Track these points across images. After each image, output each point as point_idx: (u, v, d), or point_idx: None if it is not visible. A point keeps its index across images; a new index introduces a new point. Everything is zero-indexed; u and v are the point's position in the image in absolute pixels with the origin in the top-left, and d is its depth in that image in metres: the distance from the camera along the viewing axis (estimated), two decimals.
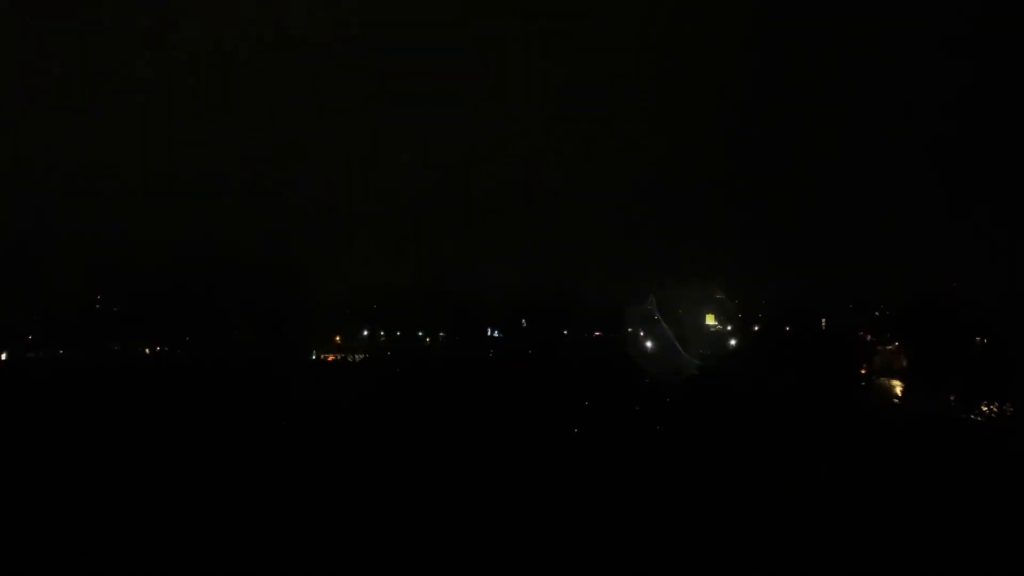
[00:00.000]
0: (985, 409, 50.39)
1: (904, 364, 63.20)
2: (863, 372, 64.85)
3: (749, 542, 27.12)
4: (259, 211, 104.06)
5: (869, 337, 72.16)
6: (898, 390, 59.88)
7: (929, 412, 50.59)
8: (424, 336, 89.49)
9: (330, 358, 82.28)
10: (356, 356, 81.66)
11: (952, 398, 52.04)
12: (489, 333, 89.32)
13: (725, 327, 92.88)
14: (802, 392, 52.97)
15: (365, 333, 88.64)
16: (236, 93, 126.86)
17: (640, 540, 27.37)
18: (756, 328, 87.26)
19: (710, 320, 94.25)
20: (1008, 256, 75.54)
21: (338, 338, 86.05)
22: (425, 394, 54.20)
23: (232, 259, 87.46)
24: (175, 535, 27.57)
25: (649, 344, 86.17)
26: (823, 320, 73.85)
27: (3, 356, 75.80)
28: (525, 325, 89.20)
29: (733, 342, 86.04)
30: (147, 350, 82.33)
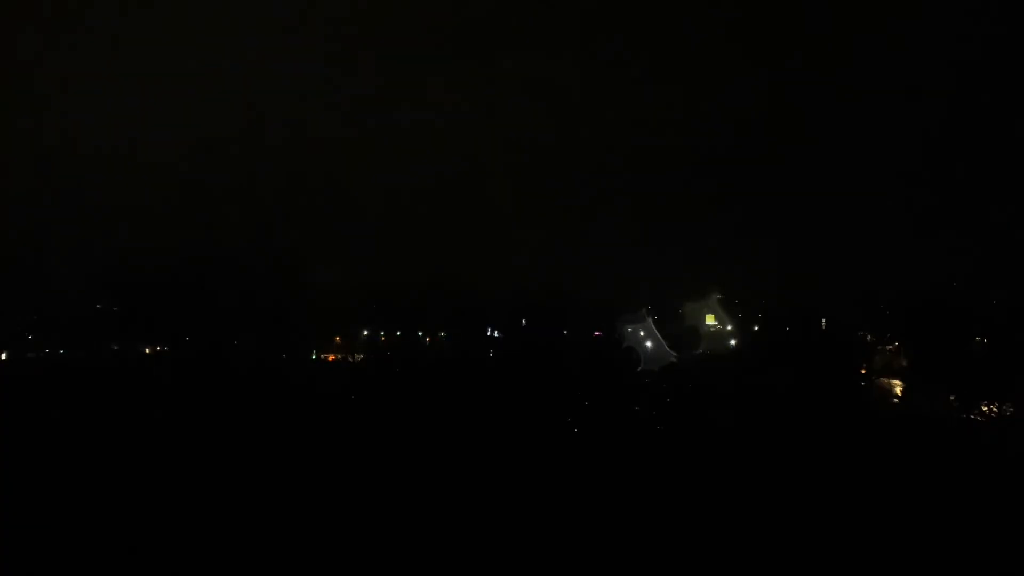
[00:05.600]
0: (985, 409, 50.36)
1: (904, 364, 63.08)
2: (863, 372, 64.77)
3: (749, 542, 27.12)
4: (259, 211, 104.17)
5: (869, 337, 72.09)
6: (898, 390, 59.78)
7: (929, 412, 50.56)
8: (424, 336, 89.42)
9: (330, 358, 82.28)
10: (356, 356, 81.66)
11: (952, 398, 51.99)
12: (489, 333, 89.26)
13: (725, 327, 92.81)
14: (802, 392, 52.94)
15: (365, 333, 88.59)
16: (236, 93, 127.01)
17: (640, 540, 27.38)
18: (756, 328, 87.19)
19: (710, 320, 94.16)
20: (1008, 256, 75.54)
21: (338, 338, 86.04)
22: (426, 394, 54.20)
23: (232, 259, 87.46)
24: (175, 535, 27.57)
25: (649, 344, 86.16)
26: (823, 320, 73.77)
27: (3, 356, 75.79)
28: (525, 325, 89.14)
29: (733, 342, 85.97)
30: (147, 350, 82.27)
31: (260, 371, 63.04)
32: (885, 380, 62.62)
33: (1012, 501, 30.74)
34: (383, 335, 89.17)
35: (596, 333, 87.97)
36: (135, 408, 48.34)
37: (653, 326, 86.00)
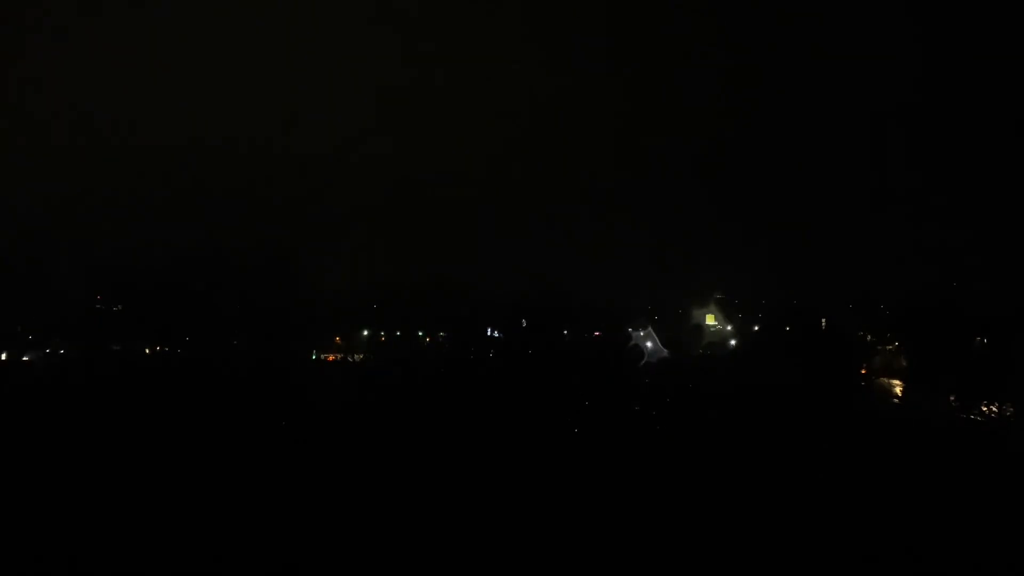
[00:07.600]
0: (985, 409, 50.37)
1: (904, 364, 63.06)
2: (863, 372, 64.77)
3: (748, 542, 27.13)
4: (259, 211, 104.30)
5: (869, 337, 72.10)
6: (898, 390, 59.78)
7: (929, 412, 50.55)
8: (424, 336, 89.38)
9: (330, 358, 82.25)
10: (356, 356, 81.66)
11: (952, 398, 51.99)
12: (489, 333, 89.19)
13: (725, 327, 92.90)
14: (802, 392, 52.92)
15: (365, 333, 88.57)
16: (236, 95, 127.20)
17: (640, 540, 27.39)
18: (756, 328, 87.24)
19: (710, 320, 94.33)
20: (1008, 256, 75.64)
21: (338, 338, 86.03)
22: (425, 394, 54.18)
23: (232, 259, 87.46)
24: (175, 535, 27.57)
25: (649, 344, 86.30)
26: (823, 320, 73.80)
27: (3, 356, 75.74)
28: (525, 325, 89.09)
29: (733, 342, 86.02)
30: (147, 350, 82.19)
31: (260, 371, 62.95)
32: (885, 380, 62.63)
33: (1012, 501, 30.76)
34: (383, 335, 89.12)
35: (596, 334, 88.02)
36: (135, 408, 48.28)
37: (651, 329, 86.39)
